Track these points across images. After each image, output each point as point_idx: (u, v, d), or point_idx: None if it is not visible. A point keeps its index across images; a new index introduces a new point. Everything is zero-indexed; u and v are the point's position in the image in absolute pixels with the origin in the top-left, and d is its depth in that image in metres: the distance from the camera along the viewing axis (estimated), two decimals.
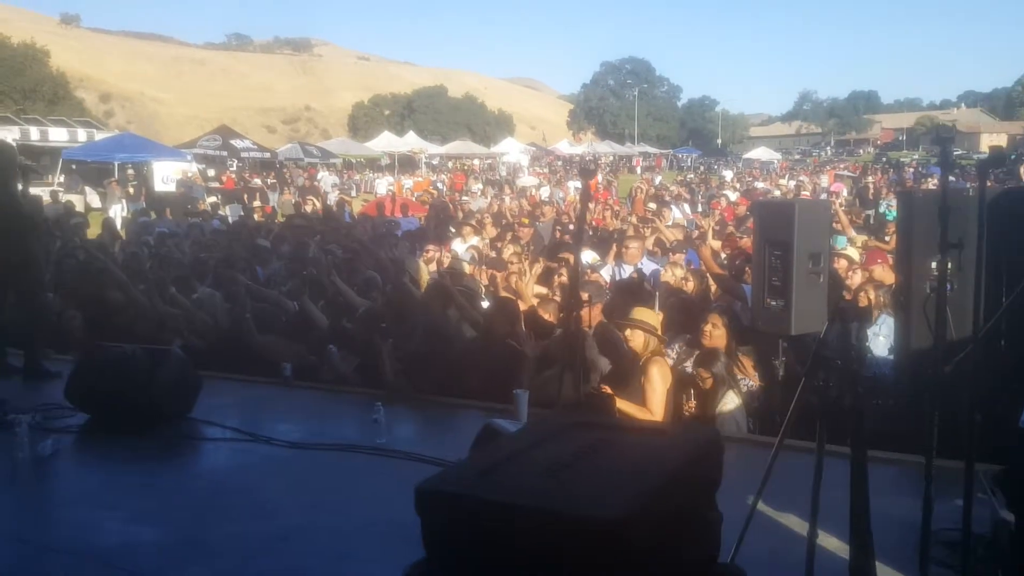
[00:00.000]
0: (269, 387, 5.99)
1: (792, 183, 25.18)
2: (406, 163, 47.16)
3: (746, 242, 8.42)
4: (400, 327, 6.05)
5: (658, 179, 33.46)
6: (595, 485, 2.00)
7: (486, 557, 1.95)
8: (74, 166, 28.41)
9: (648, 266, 7.89)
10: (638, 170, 49.96)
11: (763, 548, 3.09)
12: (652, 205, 13.62)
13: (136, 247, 11.01)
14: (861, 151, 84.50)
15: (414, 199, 21.01)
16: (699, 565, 2.20)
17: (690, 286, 6.82)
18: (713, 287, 6.60)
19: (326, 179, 31.90)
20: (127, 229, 15.07)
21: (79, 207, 20.91)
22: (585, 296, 4.07)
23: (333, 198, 21.71)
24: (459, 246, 9.57)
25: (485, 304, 6.82)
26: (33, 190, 6.80)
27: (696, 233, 9.10)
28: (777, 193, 21.14)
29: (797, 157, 68.08)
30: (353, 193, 28.39)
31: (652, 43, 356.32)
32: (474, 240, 9.60)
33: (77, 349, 6.35)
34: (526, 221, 10.97)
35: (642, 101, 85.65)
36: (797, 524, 3.34)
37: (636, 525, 1.83)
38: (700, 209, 17.20)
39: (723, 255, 8.21)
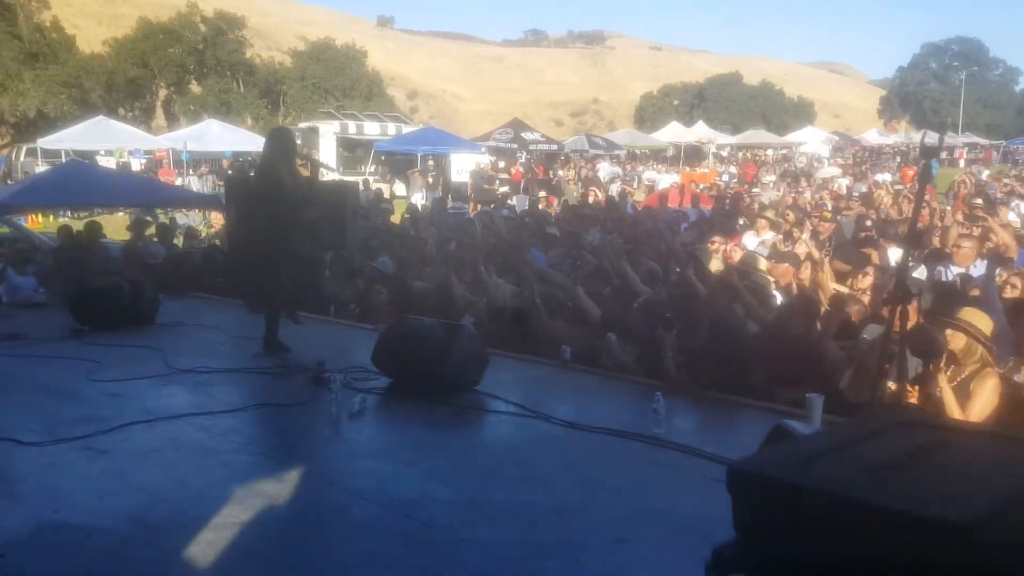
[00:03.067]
0: (549, 368, 6.15)
1: None
2: (692, 154, 46.21)
3: None
4: (685, 320, 5.91)
5: (985, 173, 29.53)
6: (938, 485, 1.79)
7: (802, 546, 1.82)
8: (383, 157, 31.42)
9: (980, 270, 7.00)
10: (960, 163, 44.52)
11: None
12: (978, 201, 12.02)
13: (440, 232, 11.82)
14: None
15: (699, 190, 20.44)
16: None
17: (1017, 292, 5.96)
18: None
19: (605, 169, 32.17)
20: (426, 216, 16.25)
21: (386, 194, 23.04)
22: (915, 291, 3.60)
23: (614, 189, 21.87)
24: (751, 240, 9.14)
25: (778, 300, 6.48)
26: (350, 178, 7.51)
27: None
28: None
29: None
30: (635, 184, 28.40)
31: (986, 20, 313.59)
32: (769, 234, 9.11)
33: (382, 320, 6.99)
34: (828, 215, 10.20)
35: (970, 86, 75.62)
36: None
37: (992, 531, 1.62)
38: None
39: None
